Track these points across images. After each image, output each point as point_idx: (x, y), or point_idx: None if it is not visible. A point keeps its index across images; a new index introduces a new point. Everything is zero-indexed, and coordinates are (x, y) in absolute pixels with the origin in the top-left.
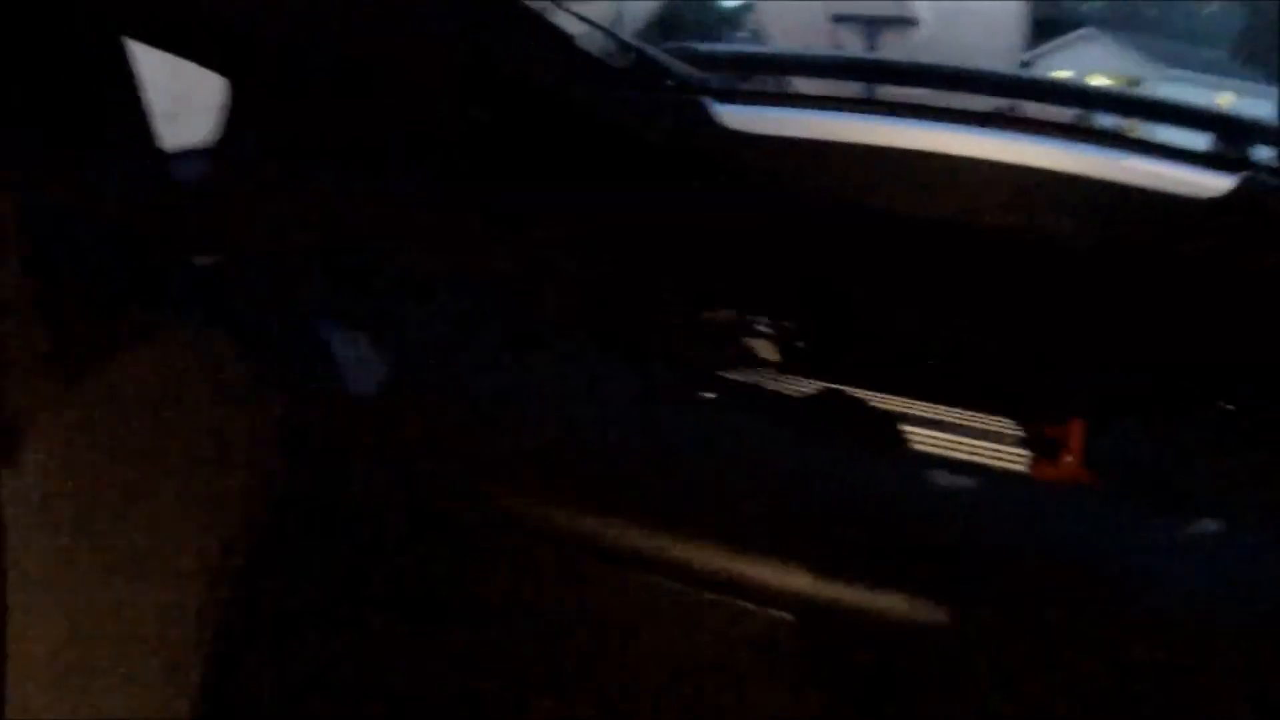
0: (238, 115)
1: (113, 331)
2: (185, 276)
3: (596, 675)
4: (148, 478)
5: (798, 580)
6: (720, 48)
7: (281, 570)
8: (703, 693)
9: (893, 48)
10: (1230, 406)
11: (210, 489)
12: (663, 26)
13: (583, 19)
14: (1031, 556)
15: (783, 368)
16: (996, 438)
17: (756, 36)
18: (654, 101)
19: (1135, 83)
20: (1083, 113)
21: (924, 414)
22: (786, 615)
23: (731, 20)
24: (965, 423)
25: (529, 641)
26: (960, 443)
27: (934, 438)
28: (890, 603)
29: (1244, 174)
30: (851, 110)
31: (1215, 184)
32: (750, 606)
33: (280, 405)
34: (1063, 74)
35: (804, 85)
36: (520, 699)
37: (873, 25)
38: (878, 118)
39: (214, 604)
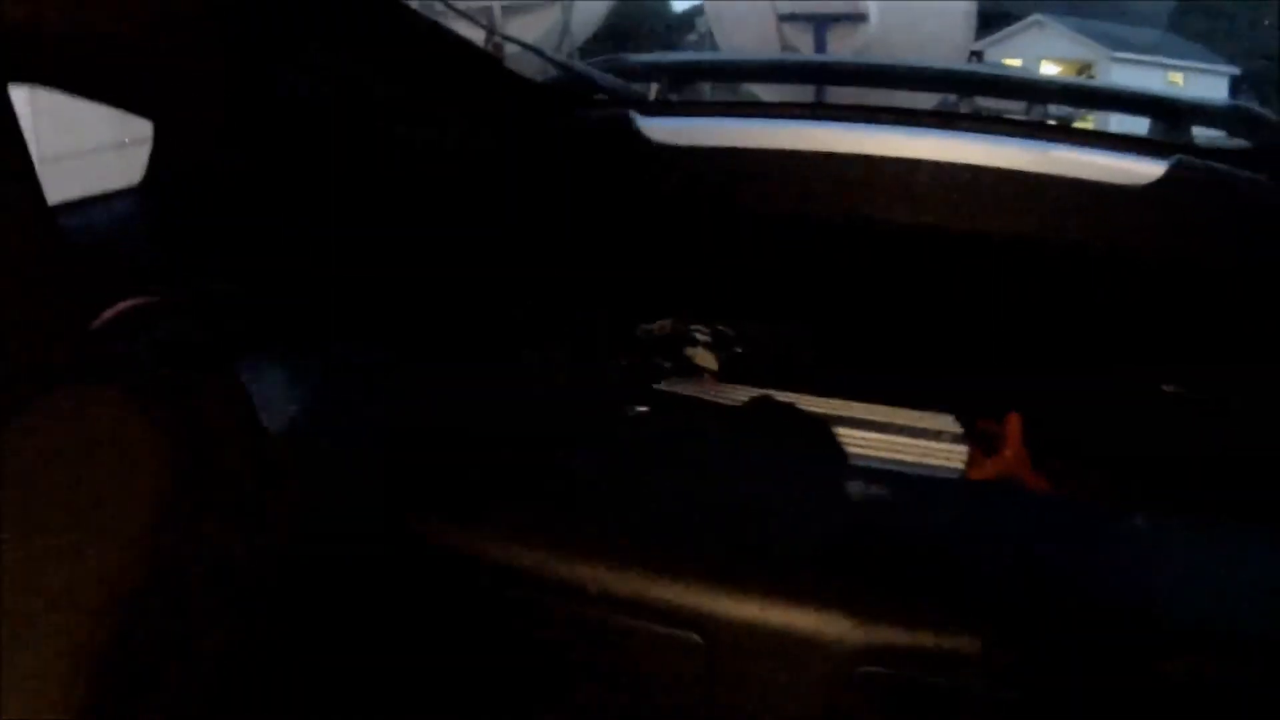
0: (164, 156)
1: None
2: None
3: (536, 709)
4: (33, 546)
5: (706, 601)
6: (653, 58)
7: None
8: (627, 710)
9: (842, 44)
10: (1175, 390)
11: (97, 555)
12: (612, 35)
13: (510, 39)
14: (975, 564)
15: (722, 376)
16: (934, 435)
17: (706, 40)
18: (581, 119)
19: (1086, 68)
20: (1029, 105)
21: (861, 415)
22: (695, 637)
23: (681, 25)
24: (902, 422)
25: (456, 677)
26: (896, 442)
27: (871, 439)
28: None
29: (1175, 159)
30: (781, 116)
31: (1148, 170)
32: (660, 629)
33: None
34: (1013, 62)
35: (750, 89)
36: None
37: (821, 23)
38: (809, 123)
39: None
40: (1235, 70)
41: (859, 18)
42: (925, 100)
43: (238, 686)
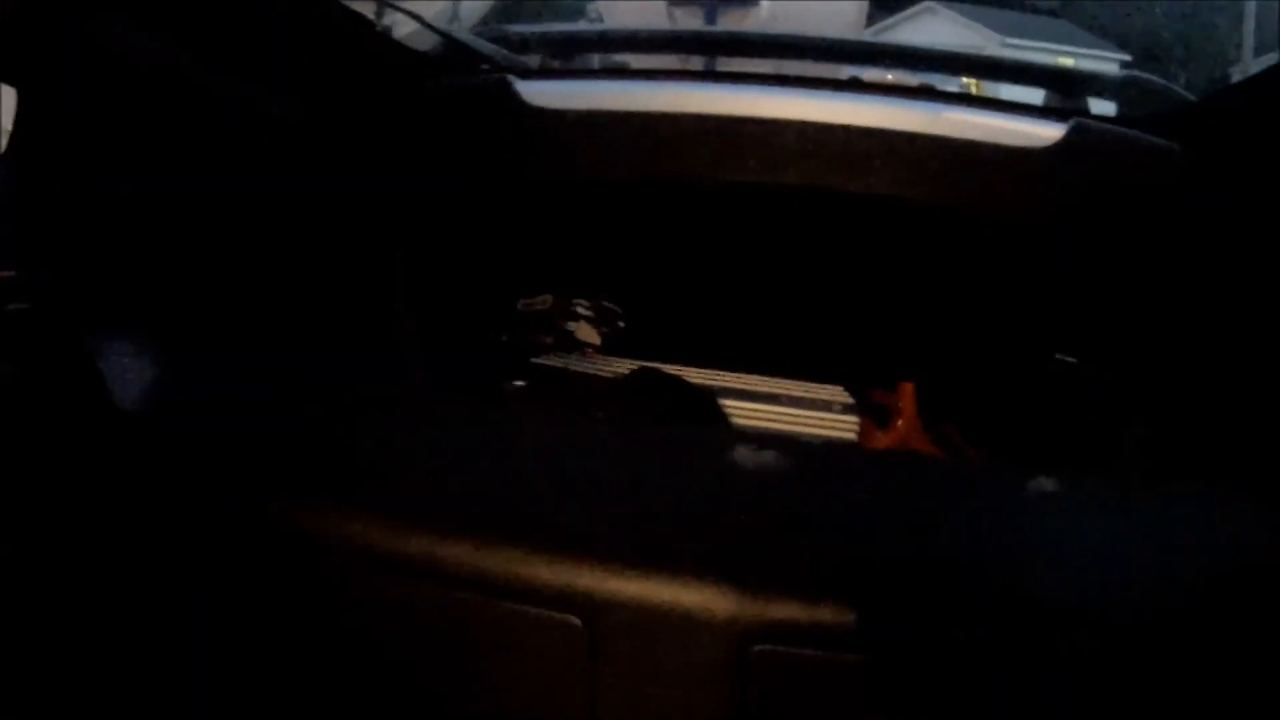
0: (29, 126)
1: None
2: None
3: (416, 696)
4: None
5: (584, 580)
6: (541, 27)
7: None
8: (502, 704)
9: (732, 28)
10: (1068, 358)
11: None
12: (501, 19)
13: (395, 6)
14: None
15: (604, 349)
16: (824, 406)
17: (598, 24)
18: (458, 85)
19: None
20: (925, 77)
21: (748, 386)
22: (574, 619)
23: (571, 11)
24: (791, 393)
25: (324, 668)
26: (786, 414)
27: (759, 410)
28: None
29: (1073, 121)
30: (672, 80)
31: (1045, 133)
32: (536, 611)
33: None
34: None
35: (642, 63)
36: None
37: (711, 6)
38: (698, 86)
39: None
40: (1126, 56)
41: (749, 1)
42: (819, 74)
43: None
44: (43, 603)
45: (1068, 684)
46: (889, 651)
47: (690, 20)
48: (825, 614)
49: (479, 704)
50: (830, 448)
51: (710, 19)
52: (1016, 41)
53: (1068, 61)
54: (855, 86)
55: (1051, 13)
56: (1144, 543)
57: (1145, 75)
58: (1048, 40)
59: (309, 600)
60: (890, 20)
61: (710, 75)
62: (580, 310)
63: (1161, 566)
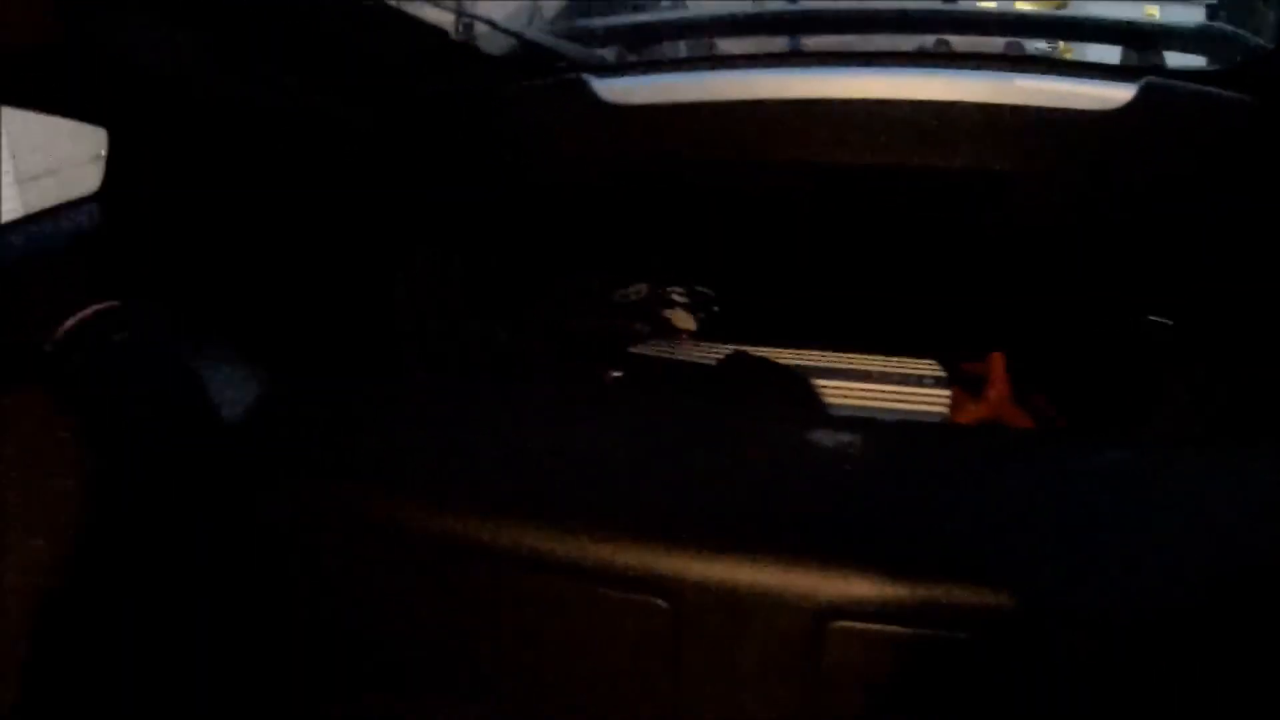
0: (119, 163)
1: None
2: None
3: (504, 679)
4: None
5: (669, 564)
6: (613, 20)
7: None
8: (587, 687)
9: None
10: (1163, 320)
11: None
12: (580, 9)
13: (469, 15)
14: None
15: (700, 335)
16: (916, 381)
17: (679, 6)
18: (533, 86)
19: (1062, 4)
20: (1008, 41)
21: (840, 365)
22: (660, 601)
23: None
24: (883, 369)
25: (417, 651)
26: (879, 390)
27: (851, 389)
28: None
29: (1144, 81)
30: (741, 67)
31: (1117, 95)
32: (622, 595)
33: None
34: (987, 4)
35: (723, 46)
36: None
37: None
38: (769, 71)
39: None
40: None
41: None
42: (902, 46)
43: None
44: (166, 608)
45: (1146, 663)
46: (965, 627)
47: None
48: (903, 590)
49: (566, 685)
50: (919, 426)
51: None
52: None
53: (1153, 10)
54: (925, 58)
55: None
56: (1234, 521)
57: (1219, 25)
58: None
59: (403, 588)
60: None
61: (783, 58)
62: (675, 297)
63: (1252, 546)
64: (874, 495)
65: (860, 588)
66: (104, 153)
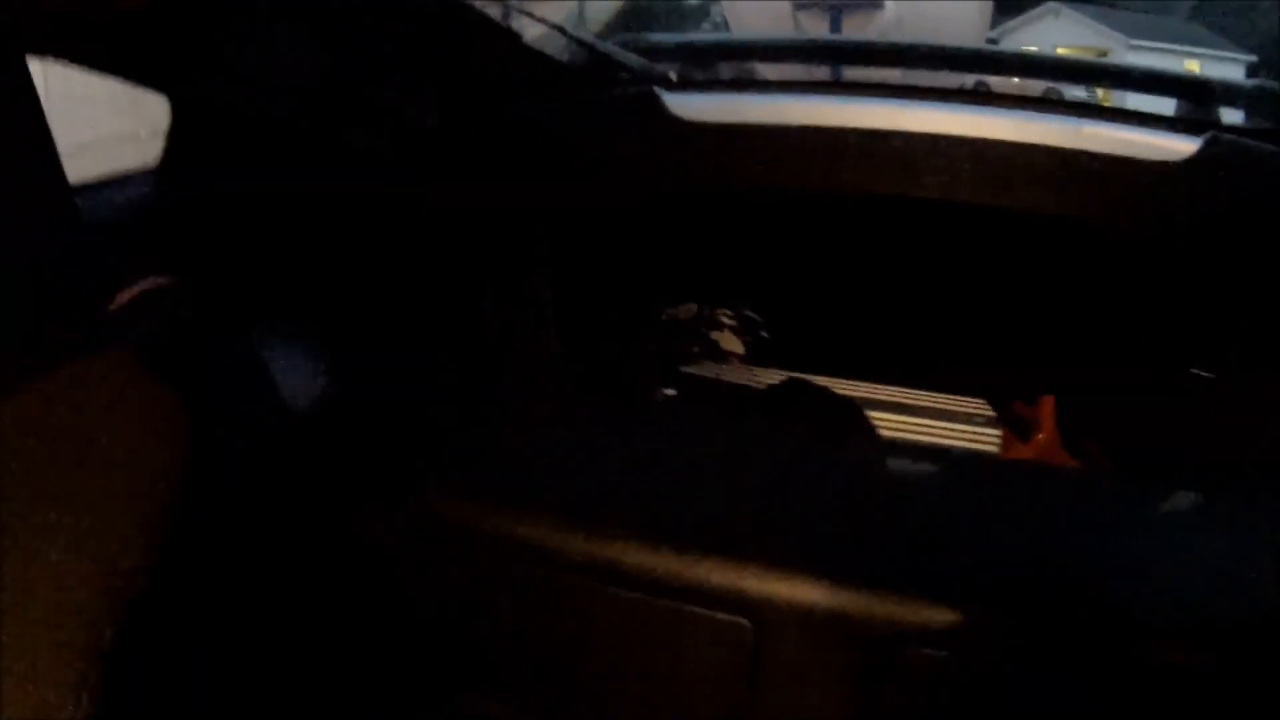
0: (180, 137)
1: (17, 364)
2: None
3: (588, 689)
4: (49, 509)
5: (755, 585)
6: (675, 38)
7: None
8: (666, 701)
9: (857, 32)
10: (1207, 374)
11: (113, 519)
12: (627, 22)
13: (535, 18)
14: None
15: (748, 359)
16: (966, 419)
17: (721, 29)
18: (606, 98)
19: (1102, 55)
20: (1052, 85)
21: (892, 399)
22: (744, 621)
23: (696, 12)
24: (934, 405)
25: (504, 662)
26: (930, 426)
27: (903, 422)
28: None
29: (1209, 134)
30: (810, 92)
31: (1181, 147)
32: (706, 613)
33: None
34: (1029, 49)
35: (768, 71)
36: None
37: (836, 10)
38: (837, 99)
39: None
40: (1252, 58)
41: (874, 5)
42: (947, 82)
43: (249, 670)
44: (230, 597)
45: (1198, 698)
46: (1032, 657)
47: (815, 23)
48: (977, 620)
49: (649, 699)
50: (977, 460)
51: (835, 23)
52: (1141, 43)
53: (1194, 66)
54: (989, 99)
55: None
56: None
57: (1274, 84)
58: (1174, 42)
59: (490, 597)
60: (1014, 21)
61: (848, 87)
62: (724, 320)
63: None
64: (946, 525)
65: (937, 616)
66: (142, 131)
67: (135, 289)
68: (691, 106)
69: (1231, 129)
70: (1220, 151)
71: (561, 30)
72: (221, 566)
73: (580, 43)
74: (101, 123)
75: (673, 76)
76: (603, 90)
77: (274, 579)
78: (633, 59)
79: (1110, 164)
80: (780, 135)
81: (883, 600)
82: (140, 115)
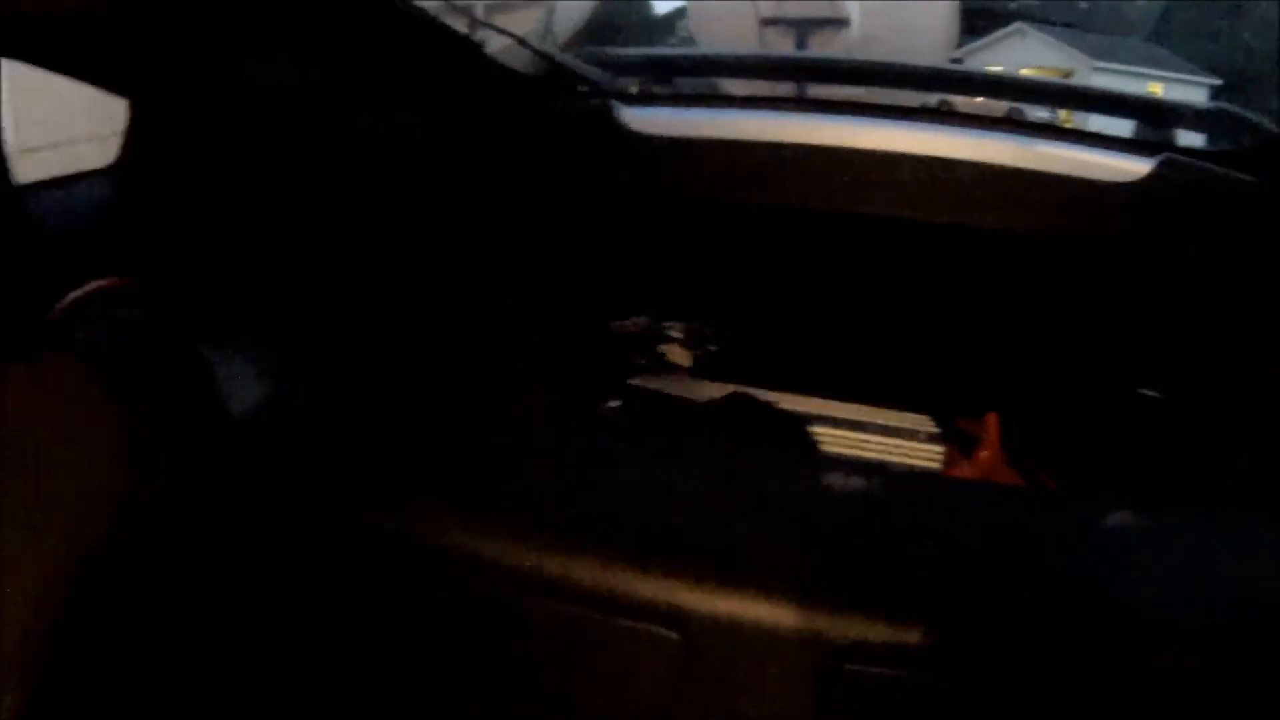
0: (138, 137)
1: None
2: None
3: (491, 699)
4: None
5: (684, 597)
6: (638, 51)
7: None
8: (595, 715)
9: (823, 49)
10: (1153, 393)
11: (45, 527)
12: (592, 34)
13: (496, 29)
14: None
15: (695, 372)
16: (910, 435)
17: (687, 43)
18: (563, 109)
19: (1067, 76)
20: (1014, 105)
21: (836, 414)
22: (672, 634)
23: (662, 26)
24: (878, 420)
25: (427, 673)
26: (873, 441)
27: (846, 437)
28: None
29: (1163, 156)
30: (769, 109)
31: (1134, 168)
32: (633, 625)
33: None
34: (994, 69)
35: (732, 87)
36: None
37: (803, 27)
38: (795, 115)
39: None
40: (1216, 81)
41: (841, 22)
42: (909, 100)
43: (189, 674)
44: (154, 608)
45: (1151, 706)
46: (974, 674)
47: (782, 39)
48: (914, 636)
49: (574, 711)
50: (918, 475)
51: (802, 40)
52: (1106, 65)
53: (1157, 88)
54: (946, 117)
55: (1143, 36)
56: (1220, 569)
57: (1231, 108)
58: (1138, 64)
59: (416, 607)
60: (981, 41)
61: (806, 103)
62: (672, 333)
63: (1234, 592)
64: (885, 540)
65: (874, 631)
66: (108, 131)
67: (83, 290)
68: (647, 120)
69: (1188, 151)
70: (1173, 173)
71: (522, 42)
72: (166, 579)
73: (540, 55)
74: (66, 123)
75: (632, 90)
76: (560, 102)
77: (222, 591)
78: (592, 72)
79: (1063, 184)
80: (736, 150)
81: (815, 616)
82: (108, 114)
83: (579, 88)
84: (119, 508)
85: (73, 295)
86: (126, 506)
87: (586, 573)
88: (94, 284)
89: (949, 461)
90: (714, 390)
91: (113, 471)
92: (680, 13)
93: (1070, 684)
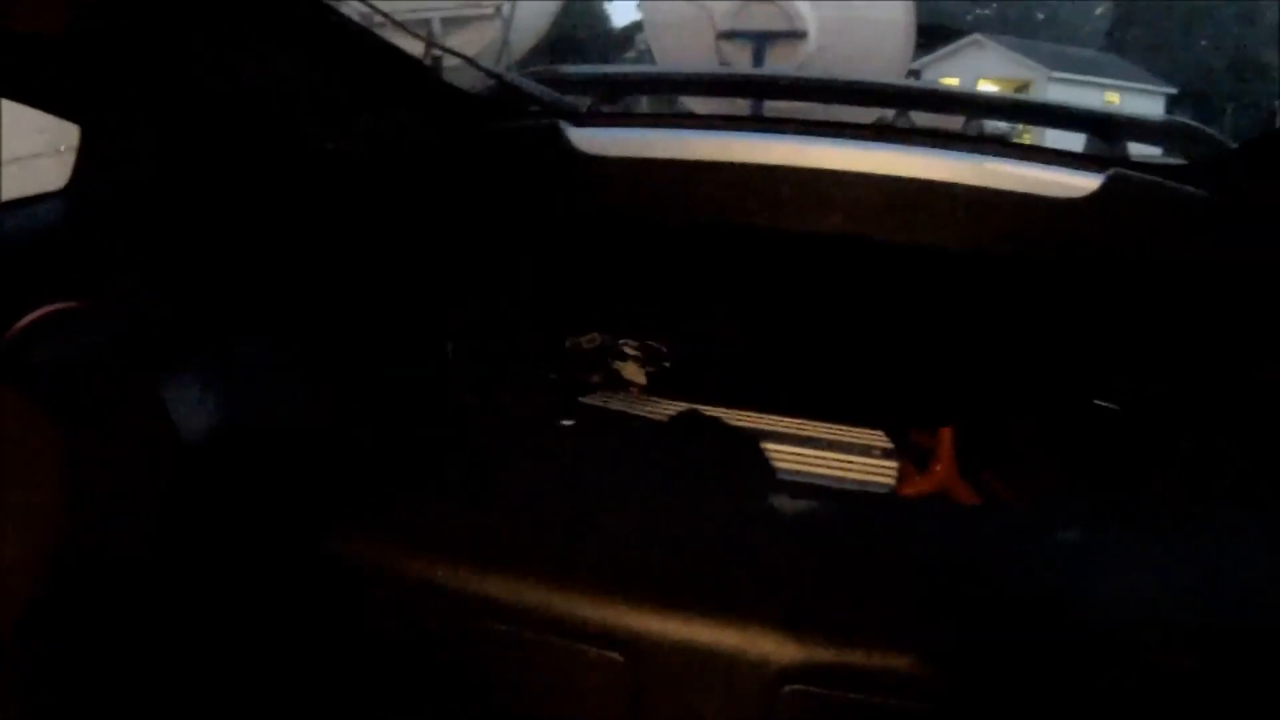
0: (91, 159)
1: None
2: None
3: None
4: None
5: (626, 619)
6: (590, 69)
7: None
8: None
9: (780, 62)
10: (1108, 405)
11: None
12: (551, 50)
13: (444, 49)
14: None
15: (649, 389)
16: (863, 450)
17: (645, 57)
18: (509, 129)
19: (1024, 87)
20: (967, 120)
21: (790, 430)
22: (615, 655)
23: (620, 41)
24: (831, 437)
25: (372, 694)
26: (826, 458)
27: (801, 454)
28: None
29: (1111, 171)
30: (719, 128)
31: (1084, 183)
32: (578, 647)
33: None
34: (951, 81)
35: (687, 103)
36: None
37: (760, 40)
38: (744, 134)
39: None
40: (1172, 90)
41: (798, 35)
42: (863, 116)
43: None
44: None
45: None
46: (920, 695)
47: (739, 53)
48: (858, 658)
49: None
50: (868, 496)
51: (759, 54)
52: (1063, 75)
53: (1113, 97)
54: (898, 134)
55: (1099, 47)
56: (1176, 580)
57: (1185, 121)
58: (1094, 73)
59: (358, 629)
60: (938, 53)
61: (757, 122)
62: (627, 350)
63: (1188, 607)
64: (832, 562)
65: (818, 653)
66: (64, 147)
67: (34, 314)
68: (595, 140)
69: (1138, 165)
70: (1121, 188)
71: (471, 62)
72: (109, 605)
73: (490, 74)
74: (24, 140)
75: (582, 109)
76: (508, 122)
77: (165, 615)
78: (542, 91)
79: (1013, 200)
80: (683, 170)
81: (758, 638)
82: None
83: (529, 107)
84: (60, 530)
85: (21, 322)
86: (68, 529)
87: (531, 594)
88: (42, 309)
89: (903, 476)
90: (668, 408)
91: (56, 496)
92: (638, 26)
93: (1018, 702)
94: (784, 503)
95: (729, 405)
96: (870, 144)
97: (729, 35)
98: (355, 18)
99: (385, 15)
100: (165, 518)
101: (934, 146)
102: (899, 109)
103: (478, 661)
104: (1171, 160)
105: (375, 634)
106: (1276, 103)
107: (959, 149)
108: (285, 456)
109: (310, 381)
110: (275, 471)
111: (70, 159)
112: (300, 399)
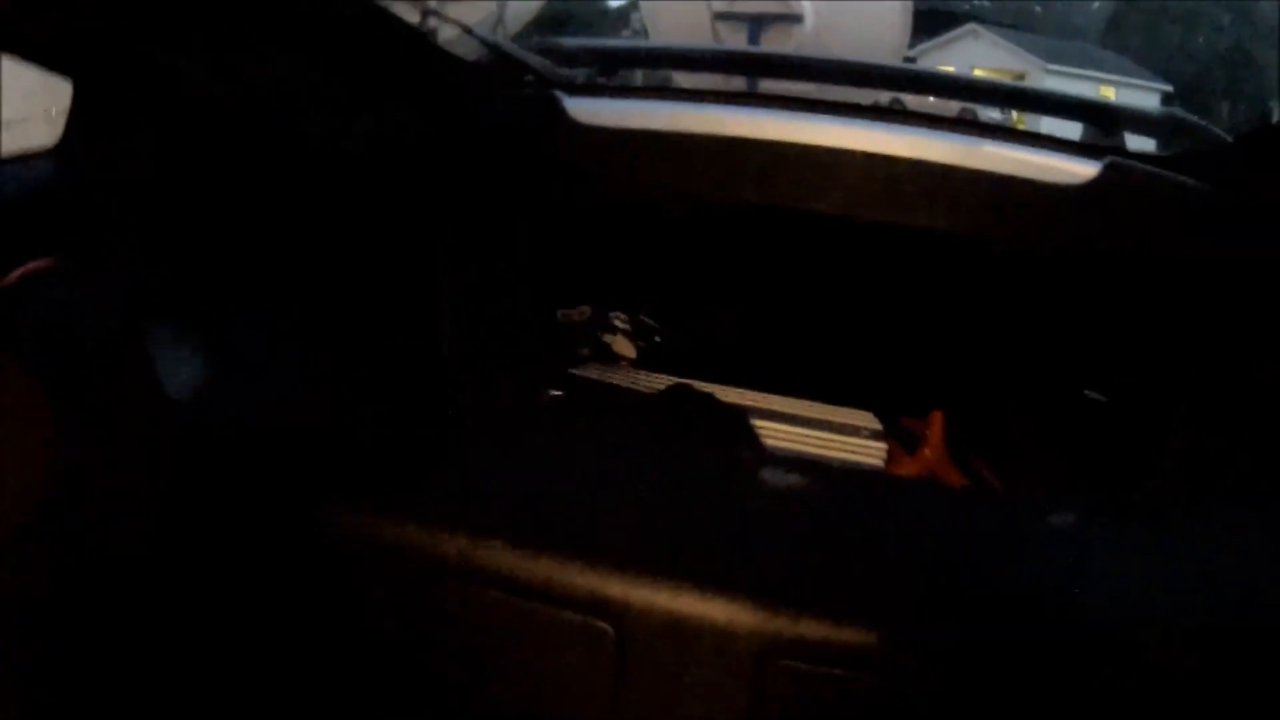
0: (83, 118)
1: None
2: None
3: (442, 687)
4: None
5: (618, 589)
6: (588, 42)
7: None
8: (531, 705)
9: (776, 45)
10: (1098, 396)
11: None
12: (545, 25)
13: (443, 17)
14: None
15: (639, 363)
16: (852, 431)
17: (641, 36)
18: (507, 99)
19: (1019, 78)
20: (966, 106)
21: (779, 408)
22: (606, 626)
23: (616, 19)
24: (820, 416)
25: (363, 662)
26: (815, 436)
27: (789, 432)
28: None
29: (1108, 159)
30: (716, 102)
31: (1080, 170)
32: (568, 616)
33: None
34: (944, 69)
35: (683, 80)
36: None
37: (756, 23)
38: (741, 109)
39: None
40: (1167, 87)
41: (794, 19)
42: (861, 98)
43: (128, 667)
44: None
45: (1082, 704)
46: (905, 672)
47: (734, 35)
48: (846, 634)
49: (510, 701)
50: (858, 473)
51: (754, 35)
52: (1059, 68)
53: (1109, 92)
54: (895, 115)
55: (1098, 41)
56: (1154, 569)
57: (1182, 113)
58: (1090, 67)
59: (351, 598)
60: (934, 41)
61: (754, 98)
62: (618, 323)
63: (1170, 593)
64: (821, 538)
65: (806, 628)
66: (55, 111)
67: (18, 271)
68: (592, 111)
69: (1136, 155)
70: (1118, 176)
71: (469, 31)
72: (103, 572)
73: (487, 44)
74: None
75: (578, 81)
76: (505, 92)
77: (161, 586)
78: (539, 62)
79: (1009, 185)
80: (679, 143)
81: (750, 611)
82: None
83: (525, 77)
84: (49, 493)
85: (7, 278)
86: (56, 491)
87: (521, 564)
88: (28, 266)
89: (891, 458)
90: (658, 382)
91: (43, 456)
92: (634, 5)
93: (1003, 683)
94: (774, 476)
95: (718, 381)
96: (869, 123)
97: (725, 17)
98: None
99: None
100: (162, 485)
101: (932, 128)
102: (896, 91)
103: (469, 630)
104: (1168, 153)
105: (367, 604)
106: (1273, 101)
107: (956, 131)
108: (279, 425)
109: (305, 348)
110: (269, 441)
111: (61, 123)
112: (295, 366)
